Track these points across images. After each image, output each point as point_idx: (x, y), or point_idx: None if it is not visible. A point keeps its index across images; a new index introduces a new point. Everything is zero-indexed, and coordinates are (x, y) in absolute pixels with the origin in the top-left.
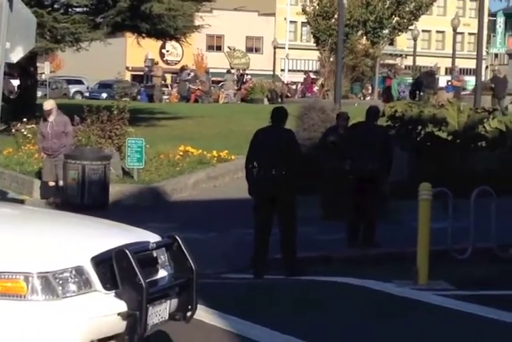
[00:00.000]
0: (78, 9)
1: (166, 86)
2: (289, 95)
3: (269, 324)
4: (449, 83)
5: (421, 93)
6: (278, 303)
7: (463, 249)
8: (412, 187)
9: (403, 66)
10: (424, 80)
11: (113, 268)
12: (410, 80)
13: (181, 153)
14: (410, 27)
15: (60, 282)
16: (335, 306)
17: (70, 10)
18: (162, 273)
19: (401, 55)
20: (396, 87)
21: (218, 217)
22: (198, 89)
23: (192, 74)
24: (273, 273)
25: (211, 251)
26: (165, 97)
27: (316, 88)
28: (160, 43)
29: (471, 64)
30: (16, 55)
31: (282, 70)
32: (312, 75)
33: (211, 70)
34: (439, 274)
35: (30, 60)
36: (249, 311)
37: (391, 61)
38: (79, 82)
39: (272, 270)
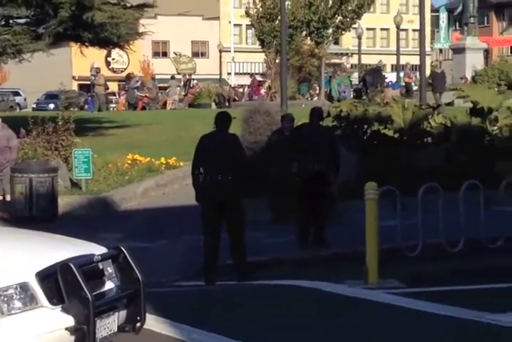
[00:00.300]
0: (19, 20)
1: (113, 94)
2: (236, 98)
3: (223, 331)
4: (400, 80)
5: (368, 91)
6: (231, 310)
7: (414, 246)
8: (360, 187)
9: (349, 65)
10: (370, 77)
11: (59, 283)
12: (354, 78)
13: (129, 162)
14: (354, 26)
15: (5, 299)
16: (288, 309)
17: (11, 21)
18: (109, 285)
19: (346, 54)
20: (336, 87)
21: (168, 225)
22: (145, 96)
23: (139, 81)
24: (225, 279)
25: (162, 259)
26: (113, 105)
27: (263, 91)
28: (105, 51)
29: (417, 60)
30: None
31: (229, 73)
32: (259, 78)
33: (158, 77)
34: (390, 272)
35: None
36: (201, 318)
37: (337, 60)
38: (16, 94)
39: (223, 276)
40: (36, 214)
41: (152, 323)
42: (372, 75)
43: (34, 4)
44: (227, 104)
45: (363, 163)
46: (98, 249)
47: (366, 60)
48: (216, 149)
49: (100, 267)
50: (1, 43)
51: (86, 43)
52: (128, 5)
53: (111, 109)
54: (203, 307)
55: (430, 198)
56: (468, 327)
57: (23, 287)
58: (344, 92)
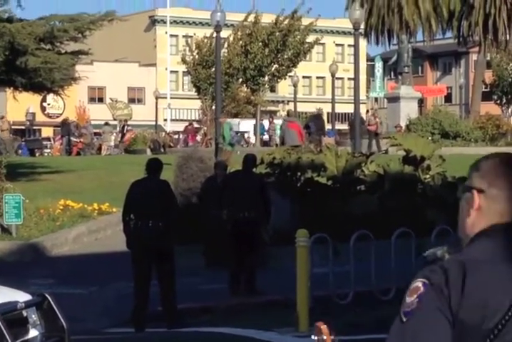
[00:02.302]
0: None
1: (48, 139)
2: (171, 144)
3: None
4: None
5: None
6: None
7: (346, 294)
8: (293, 234)
9: (285, 112)
10: (313, 124)
11: None
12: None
13: (61, 207)
14: (290, 74)
15: None
16: None
17: None
18: (33, 332)
19: (282, 102)
20: (228, 131)
21: (99, 271)
22: (80, 142)
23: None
24: (155, 326)
25: (92, 306)
26: (47, 150)
27: (199, 137)
28: (40, 96)
29: (352, 108)
30: None
31: (165, 120)
32: (196, 124)
33: (94, 122)
34: (321, 320)
35: None
36: None
37: (273, 108)
38: None
39: (153, 322)
40: None
41: None
42: (314, 122)
43: None
44: (162, 150)
45: (296, 210)
46: (22, 296)
47: (303, 107)
48: (147, 196)
49: (24, 314)
50: None
51: (20, 88)
52: (63, 51)
53: (46, 154)
54: None
55: (362, 245)
56: None
57: None
58: (235, 137)
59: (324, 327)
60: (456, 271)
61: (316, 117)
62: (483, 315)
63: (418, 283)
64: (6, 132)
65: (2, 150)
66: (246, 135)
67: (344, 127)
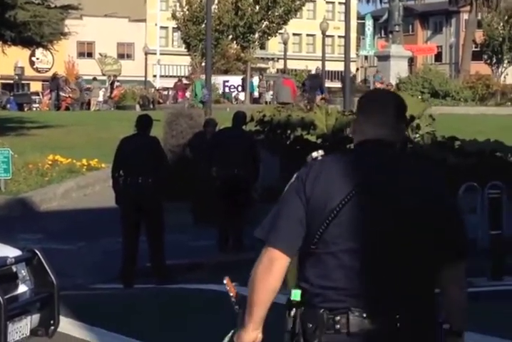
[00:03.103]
0: None
1: (37, 94)
2: (161, 101)
3: (138, 335)
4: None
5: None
6: (148, 313)
7: None
8: (282, 191)
9: (274, 70)
10: (309, 82)
11: None
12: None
13: (50, 162)
14: (280, 31)
15: None
16: (205, 313)
17: None
18: (22, 288)
19: (272, 59)
20: (199, 88)
21: (88, 227)
22: (69, 97)
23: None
24: (143, 282)
25: (80, 262)
26: (36, 105)
27: (188, 94)
28: (29, 50)
29: (342, 67)
30: None
31: (154, 76)
32: (185, 81)
33: (84, 77)
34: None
35: None
36: (118, 322)
37: (263, 65)
38: None
39: (142, 278)
40: None
41: (67, 326)
42: (312, 81)
43: None
44: (151, 106)
45: (285, 168)
46: (11, 252)
47: (293, 65)
48: (136, 152)
49: (14, 270)
50: None
51: (9, 42)
52: (52, 5)
53: (34, 109)
54: (120, 311)
55: None
56: None
57: None
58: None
59: (227, 280)
60: (316, 167)
61: (314, 76)
62: (326, 199)
63: (294, 176)
64: None
65: None
66: (234, 92)
67: (334, 85)
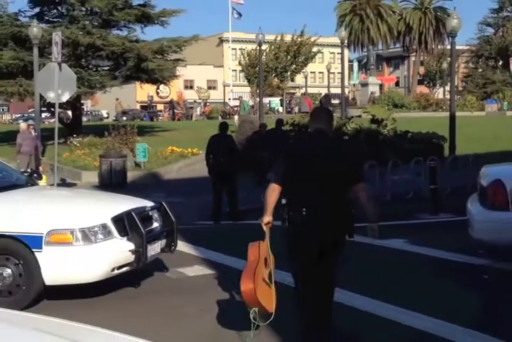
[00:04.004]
0: (104, 68)
1: (160, 111)
2: (233, 113)
3: (225, 251)
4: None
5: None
6: (230, 239)
7: None
8: None
9: (299, 94)
10: (324, 100)
11: (125, 223)
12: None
13: (169, 151)
14: (302, 70)
15: (93, 233)
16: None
17: (98, 68)
18: (155, 224)
19: (298, 87)
20: (245, 107)
21: (192, 188)
22: (180, 112)
23: (174, 104)
24: (225, 220)
25: (189, 208)
26: (160, 117)
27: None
28: (155, 86)
29: (339, 90)
30: (64, 97)
31: (229, 99)
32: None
33: (188, 101)
34: None
35: (76, 99)
36: (212, 243)
37: (292, 90)
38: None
39: (224, 218)
40: (114, 182)
41: (182, 246)
42: (325, 99)
43: (112, 58)
44: (228, 117)
45: None
46: (148, 203)
47: (310, 90)
48: (219, 144)
49: (150, 214)
50: (93, 81)
51: (144, 81)
52: (169, 59)
53: (159, 120)
54: (213, 237)
55: None
56: (365, 246)
57: (103, 226)
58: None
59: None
60: (293, 141)
61: (326, 96)
62: (297, 159)
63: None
64: (119, 110)
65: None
66: (276, 108)
67: (335, 101)
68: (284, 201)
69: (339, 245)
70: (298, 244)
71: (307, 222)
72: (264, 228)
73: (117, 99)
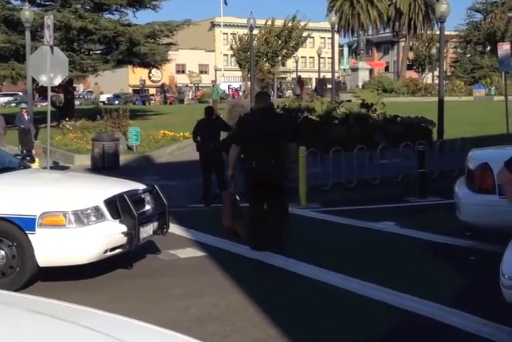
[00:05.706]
0: (96, 52)
1: (152, 95)
2: (224, 97)
3: (215, 233)
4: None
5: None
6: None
7: (326, 184)
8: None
9: (290, 78)
10: (317, 85)
11: (117, 206)
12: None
13: (161, 135)
14: (293, 55)
15: (85, 215)
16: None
17: (90, 52)
18: (147, 207)
19: (289, 71)
20: (218, 91)
21: (184, 171)
22: (171, 96)
23: (166, 88)
24: (216, 203)
25: (180, 191)
26: (152, 102)
27: (241, 93)
28: (147, 70)
29: (330, 75)
30: (57, 81)
31: (219, 83)
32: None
33: (179, 85)
34: (313, 199)
35: (68, 83)
36: (203, 226)
37: (283, 75)
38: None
39: (215, 200)
40: (107, 165)
41: (174, 229)
42: (319, 84)
43: (104, 42)
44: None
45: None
46: (141, 186)
47: (301, 75)
48: (207, 128)
49: (142, 196)
50: (85, 65)
51: (136, 65)
52: (161, 43)
53: (151, 104)
54: (204, 219)
55: (336, 155)
56: (355, 229)
57: (96, 208)
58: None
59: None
60: (246, 117)
61: (321, 80)
62: (250, 128)
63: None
64: (98, 92)
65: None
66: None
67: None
68: (242, 156)
69: (277, 183)
70: (249, 181)
71: (255, 169)
72: (230, 179)
73: (96, 83)
